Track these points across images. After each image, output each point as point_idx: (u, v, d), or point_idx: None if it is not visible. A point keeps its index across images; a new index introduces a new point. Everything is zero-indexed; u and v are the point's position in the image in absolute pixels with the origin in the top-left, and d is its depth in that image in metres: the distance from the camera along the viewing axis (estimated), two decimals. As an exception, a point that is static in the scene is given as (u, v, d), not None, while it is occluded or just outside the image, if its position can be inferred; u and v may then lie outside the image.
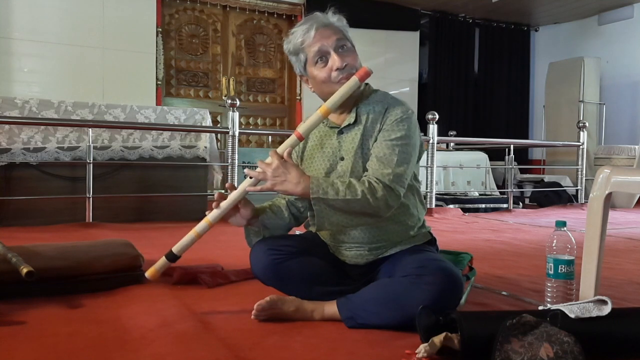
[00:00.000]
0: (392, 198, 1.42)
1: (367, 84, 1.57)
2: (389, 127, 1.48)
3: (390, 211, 1.45)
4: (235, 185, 1.49)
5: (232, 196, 1.47)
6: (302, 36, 1.50)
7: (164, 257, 1.50)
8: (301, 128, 1.46)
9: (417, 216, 1.59)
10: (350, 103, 1.53)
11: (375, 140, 1.49)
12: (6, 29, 5.15)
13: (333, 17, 1.53)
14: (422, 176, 4.63)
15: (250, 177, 1.44)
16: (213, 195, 5.01)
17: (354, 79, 1.44)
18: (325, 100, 1.51)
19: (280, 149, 1.44)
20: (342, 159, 1.54)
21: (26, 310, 1.54)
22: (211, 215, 1.48)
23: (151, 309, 1.57)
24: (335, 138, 1.56)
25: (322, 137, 1.60)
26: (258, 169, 1.42)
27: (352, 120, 1.53)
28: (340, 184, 1.40)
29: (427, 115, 4.75)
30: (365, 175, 1.46)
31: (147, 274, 1.51)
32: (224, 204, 1.47)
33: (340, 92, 1.44)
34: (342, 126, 1.55)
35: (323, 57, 1.49)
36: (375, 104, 1.53)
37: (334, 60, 1.48)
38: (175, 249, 1.50)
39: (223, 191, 1.52)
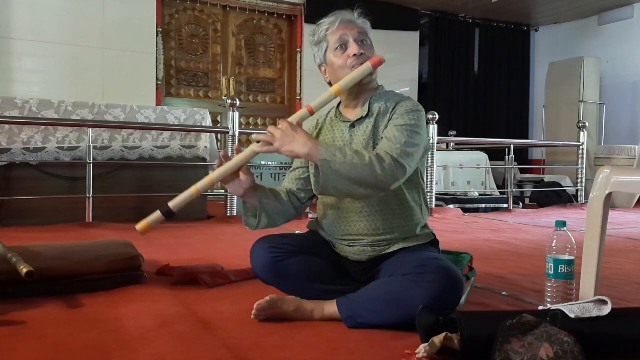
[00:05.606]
0: (399, 170, 1.41)
1: (381, 85, 1.64)
2: (399, 115, 1.52)
3: (395, 184, 1.43)
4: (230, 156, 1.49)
5: (237, 158, 1.47)
6: (327, 25, 1.59)
7: (158, 211, 1.44)
8: (313, 103, 1.48)
9: (421, 215, 1.61)
10: (364, 98, 1.59)
11: (386, 127, 1.53)
12: (6, 29, 5.14)
13: (359, 18, 1.62)
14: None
15: (258, 142, 1.44)
16: (213, 195, 5.02)
17: (367, 64, 1.51)
18: None
19: (290, 119, 1.45)
20: None
21: (26, 310, 1.54)
22: (213, 174, 1.46)
23: (151, 309, 1.57)
24: (347, 132, 1.61)
25: (334, 130, 1.64)
26: (267, 134, 1.43)
27: (365, 113, 1.58)
28: (349, 149, 1.41)
29: (427, 115, 4.75)
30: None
31: (138, 226, 1.44)
32: (227, 165, 1.47)
33: (353, 75, 1.51)
34: (355, 120, 1.59)
35: (343, 45, 1.57)
36: (388, 99, 1.59)
37: (352, 47, 1.55)
38: (172, 203, 1.44)
39: (223, 159, 1.50)
